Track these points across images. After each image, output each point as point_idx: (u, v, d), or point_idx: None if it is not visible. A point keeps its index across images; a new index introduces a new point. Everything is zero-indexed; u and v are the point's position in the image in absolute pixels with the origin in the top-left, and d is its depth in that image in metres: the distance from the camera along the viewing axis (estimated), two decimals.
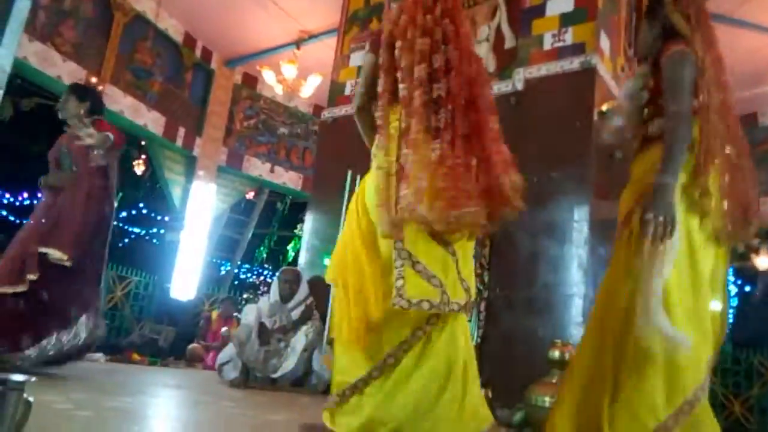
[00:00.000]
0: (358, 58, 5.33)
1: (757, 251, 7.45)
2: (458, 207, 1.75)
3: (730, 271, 8.55)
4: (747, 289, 8.62)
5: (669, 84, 1.92)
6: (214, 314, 6.83)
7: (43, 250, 3.08)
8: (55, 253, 3.07)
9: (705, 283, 1.86)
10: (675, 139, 1.85)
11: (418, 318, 1.79)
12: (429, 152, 1.78)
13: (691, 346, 1.72)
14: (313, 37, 7.15)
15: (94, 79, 6.35)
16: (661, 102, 1.95)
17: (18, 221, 10.05)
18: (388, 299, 1.73)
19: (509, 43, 4.53)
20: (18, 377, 1.51)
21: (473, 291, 1.94)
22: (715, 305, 1.91)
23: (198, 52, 7.83)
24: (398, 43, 1.86)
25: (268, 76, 7.20)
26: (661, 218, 1.75)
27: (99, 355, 4.57)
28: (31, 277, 3.03)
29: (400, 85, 1.84)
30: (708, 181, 1.85)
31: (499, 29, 4.62)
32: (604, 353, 1.84)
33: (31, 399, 1.51)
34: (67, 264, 3.10)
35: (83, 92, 3.65)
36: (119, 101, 6.74)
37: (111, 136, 3.33)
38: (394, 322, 1.79)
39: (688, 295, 1.81)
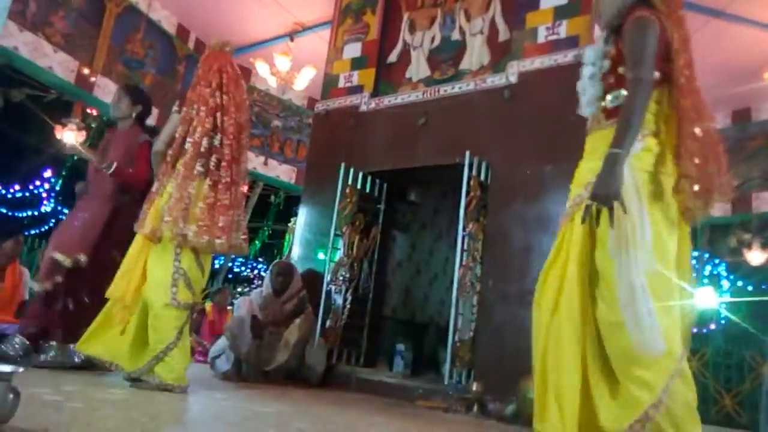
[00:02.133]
0: (352, 50, 5.31)
1: (749, 246, 7.49)
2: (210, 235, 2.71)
3: (724, 266, 8.63)
4: (740, 284, 8.67)
5: (630, 48, 1.85)
6: (208, 306, 6.82)
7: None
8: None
9: (672, 270, 1.85)
10: (632, 109, 1.79)
11: None
12: (194, 189, 2.73)
13: (666, 339, 1.73)
14: (306, 29, 7.12)
15: (86, 70, 6.30)
16: (621, 72, 1.89)
17: (10, 213, 9.98)
18: None
19: (503, 35, 4.52)
20: (5, 368, 1.50)
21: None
22: (684, 289, 1.89)
23: (191, 44, 7.78)
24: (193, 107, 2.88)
25: (261, 68, 7.16)
26: (606, 193, 1.73)
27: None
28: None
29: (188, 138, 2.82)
30: (685, 167, 1.83)
31: (493, 22, 4.61)
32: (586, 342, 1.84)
33: (19, 390, 1.50)
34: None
35: (138, 95, 3.61)
36: (111, 93, 6.65)
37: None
38: None
39: (661, 286, 1.79)
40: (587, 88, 2.02)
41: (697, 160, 1.86)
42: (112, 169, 3.22)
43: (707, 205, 1.90)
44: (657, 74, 1.86)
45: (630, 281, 1.74)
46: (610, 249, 1.80)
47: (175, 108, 3.08)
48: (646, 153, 1.87)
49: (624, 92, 1.87)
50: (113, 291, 2.82)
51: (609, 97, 1.94)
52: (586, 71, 2.03)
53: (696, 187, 1.85)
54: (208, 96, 2.91)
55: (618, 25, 1.96)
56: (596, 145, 1.96)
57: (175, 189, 2.74)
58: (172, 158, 2.86)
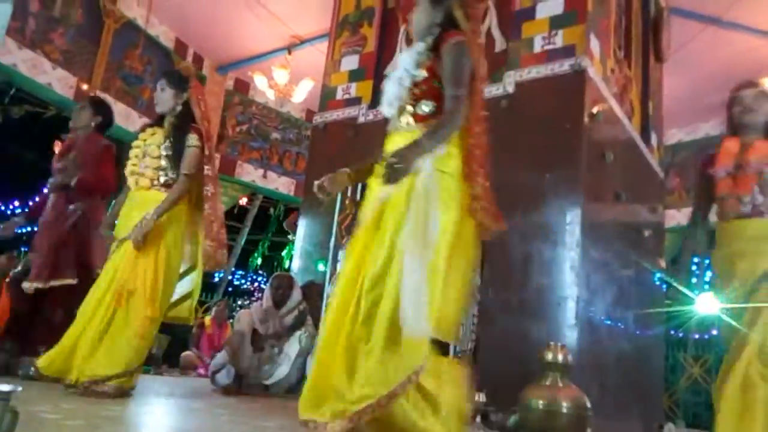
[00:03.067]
0: (350, 63, 5.33)
1: None
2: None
3: None
4: None
5: (451, 70, 2.02)
6: (207, 320, 6.80)
7: None
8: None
9: (458, 267, 1.97)
10: (452, 120, 1.97)
11: None
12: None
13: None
14: (304, 42, 7.15)
15: (84, 86, 6.33)
16: (435, 85, 2.05)
17: None
18: None
19: (500, 45, 4.54)
20: (4, 387, 1.49)
21: None
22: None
23: (189, 58, 7.81)
24: None
25: (260, 81, 7.19)
26: (400, 165, 1.81)
27: None
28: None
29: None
30: (478, 187, 2.03)
31: (489, 32, 4.63)
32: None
33: (17, 409, 1.49)
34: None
35: (100, 107, 3.79)
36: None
37: None
38: None
39: (436, 278, 1.87)
40: (392, 89, 2.13)
41: (481, 179, 2.05)
42: (73, 182, 3.42)
43: (498, 221, 2.11)
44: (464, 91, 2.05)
45: (412, 272, 1.80)
46: (402, 240, 1.86)
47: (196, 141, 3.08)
48: (447, 157, 1.99)
49: (433, 103, 2.04)
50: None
51: (424, 107, 2.06)
52: (397, 73, 2.14)
53: (485, 205, 2.05)
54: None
55: (433, 42, 2.12)
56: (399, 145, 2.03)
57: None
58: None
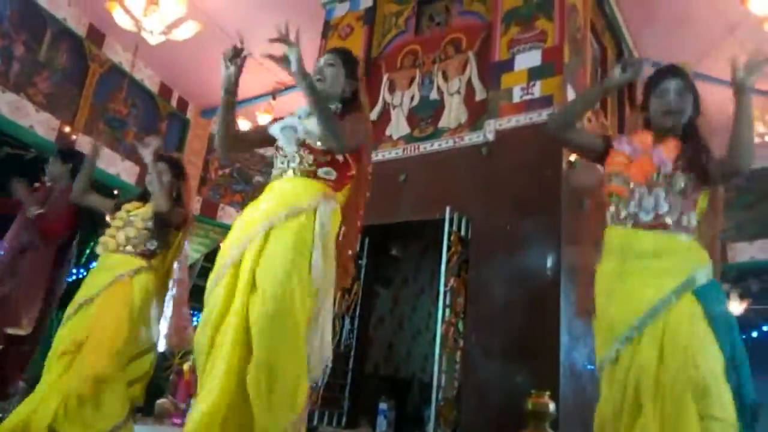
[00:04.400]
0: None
1: (727, 296, 7.59)
2: None
3: None
4: None
5: (352, 128, 2.09)
6: (186, 366, 6.64)
7: None
8: None
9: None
10: (334, 120, 2.03)
11: None
12: None
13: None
14: (288, 87, 7.26)
15: (67, 129, 6.32)
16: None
17: None
18: None
19: (480, 95, 4.66)
20: None
21: None
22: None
23: (174, 102, 7.88)
24: None
25: (243, 125, 7.25)
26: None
27: None
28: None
29: None
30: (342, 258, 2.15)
31: (470, 82, 4.76)
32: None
33: None
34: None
35: (68, 155, 3.86)
36: None
37: None
38: None
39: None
40: (282, 135, 2.23)
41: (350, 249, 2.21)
42: (33, 214, 3.46)
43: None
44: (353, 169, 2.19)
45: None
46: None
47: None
48: (333, 214, 2.08)
49: (334, 172, 2.14)
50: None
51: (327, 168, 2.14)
52: (288, 122, 2.22)
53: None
54: None
55: (342, 103, 2.24)
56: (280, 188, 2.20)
57: None
58: None
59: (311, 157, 2.11)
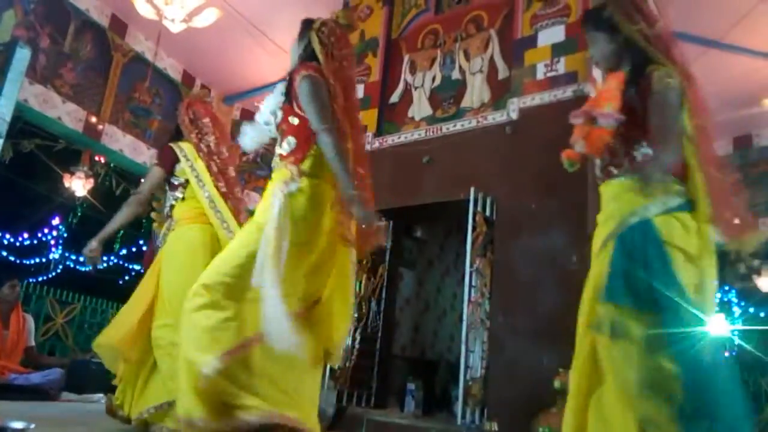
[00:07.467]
0: None
1: (758, 272, 7.43)
2: None
3: (734, 292, 8.55)
4: (751, 311, 8.56)
5: (306, 106, 2.01)
6: None
7: None
8: None
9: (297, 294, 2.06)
10: (339, 153, 1.98)
11: None
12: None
13: None
14: None
15: (93, 119, 6.42)
16: (292, 122, 2.08)
17: (18, 261, 10.01)
18: None
19: (502, 73, 4.60)
20: (18, 424, 1.50)
21: None
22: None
23: (196, 89, 7.93)
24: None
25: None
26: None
27: (99, 396, 4.49)
28: None
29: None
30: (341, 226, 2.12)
31: (492, 60, 4.70)
32: None
33: None
34: None
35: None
36: (119, 140, 6.81)
37: None
38: None
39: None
40: (250, 131, 2.25)
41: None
42: None
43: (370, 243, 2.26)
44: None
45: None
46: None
47: (154, 161, 3.16)
48: (299, 193, 2.05)
49: (294, 140, 2.08)
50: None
51: (286, 144, 2.11)
52: (261, 118, 2.20)
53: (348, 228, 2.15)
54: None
55: (290, 76, 2.11)
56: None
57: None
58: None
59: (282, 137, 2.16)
